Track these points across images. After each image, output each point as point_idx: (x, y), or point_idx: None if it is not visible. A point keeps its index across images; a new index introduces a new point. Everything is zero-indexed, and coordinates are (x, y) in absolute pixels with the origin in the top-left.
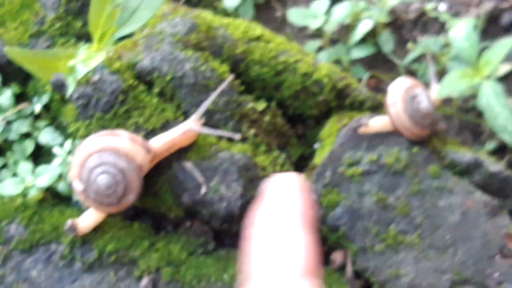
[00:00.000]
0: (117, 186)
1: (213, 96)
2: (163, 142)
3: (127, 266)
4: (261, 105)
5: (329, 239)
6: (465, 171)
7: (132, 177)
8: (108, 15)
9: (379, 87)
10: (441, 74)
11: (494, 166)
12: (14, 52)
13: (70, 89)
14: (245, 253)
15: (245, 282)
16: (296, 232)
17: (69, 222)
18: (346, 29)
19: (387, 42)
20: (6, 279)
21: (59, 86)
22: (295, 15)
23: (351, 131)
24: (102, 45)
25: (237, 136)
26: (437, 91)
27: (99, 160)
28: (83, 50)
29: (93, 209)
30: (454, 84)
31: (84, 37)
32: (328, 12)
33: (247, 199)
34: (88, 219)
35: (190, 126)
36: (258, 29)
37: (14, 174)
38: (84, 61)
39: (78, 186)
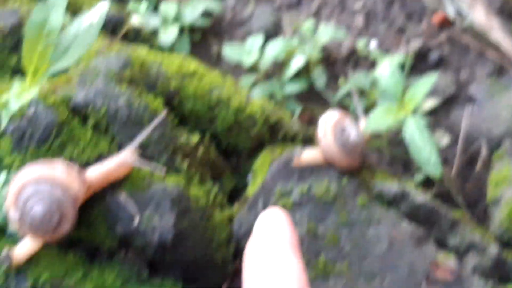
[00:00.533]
0: (52, 215)
1: (147, 130)
2: (98, 173)
3: None
4: (194, 139)
5: None
6: (392, 202)
7: (67, 207)
8: (41, 51)
9: (312, 121)
10: (371, 109)
11: (420, 197)
12: None
13: (3, 123)
14: (245, 282)
15: None
16: (289, 258)
17: (4, 251)
18: (280, 65)
19: (319, 77)
20: None
21: None
22: (230, 52)
23: (282, 163)
24: (35, 80)
25: (163, 172)
26: (365, 125)
27: (35, 189)
28: (17, 85)
29: (29, 238)
30: (380, 119)
31: (19, 72)
32: (262, 48)
33: (180, 230)
34: (23, 248)
35: (125, 159)
36: (192, 64)
37: None
38: (17, 96)
39: (13, 215)
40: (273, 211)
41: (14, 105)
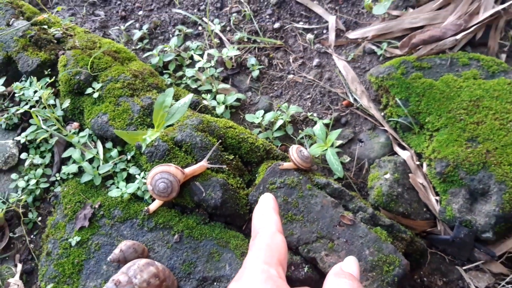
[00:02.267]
0: (168, 189)
1: (210, 152)
2: (189, 170)
3: (168, 229)
4: (231, 157)
5: None
6: (322, 187)
7: (175, 185)
8: (161, 115)
9: (286, 150)
10: (313, 143)
11: (336, 185)
12: (118, 132)
13: (143, 148)
14: (252, 225)
15: (254, 236)
16: (272, 214)
17: (145, 208)
18: (271, 123)
19: (289, 129)
20: (112, 235)
21: (139, 147)
22: (248, 117)
23: (272, 168)
24: (158, 129)
25: (225, 168)
26: (309, 151)
27: (160, 176)
28: (150, 131)
29: (156, 200)
30: (316, 149)
31: (151, 125)
32: (263, 116)
33: (224, 199)
34: (153, 206)
35: (203, 164)
36: (231, 123)
37: (117, 187)
38: (150, 136)
39: (149, 188)
40: (266, 194)
41: (148, 140)
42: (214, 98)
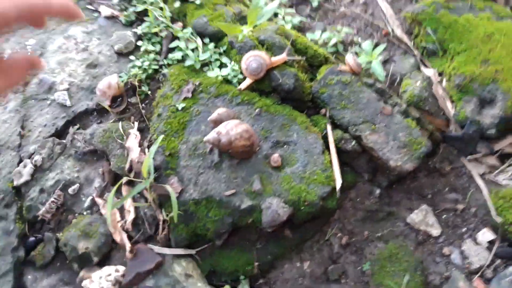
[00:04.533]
0: (258, 68)
1: (288, 46)
2: (274, 59)
3: (251, 104)
4: (300, 57)
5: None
6: (369, 85)
7: (263, 67)
8: (255, 13)
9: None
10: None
11: (380, 85)
12: (221, 24)
13: (239, 38)
14: None
15: None
16: None
17: (238, 87)
18: (325, 43)
19: (340, 47)
20: (208, 105)
21: (231, 43)
22: (309, 35)
23: (331, 69)
24: (250, 25)
25: (300, 58)
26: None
27: (253, 58)
28: (244, 27)
29: (247, 78)
30: (364, 59)
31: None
32: (321, 35)
33: (295, 85)
34: (244, 84)
35: (283, 56)
36: (299, 34)
37: (212, 70)
38: (246, 28)
39: (243, 67)
40: None
41: (245, 31)
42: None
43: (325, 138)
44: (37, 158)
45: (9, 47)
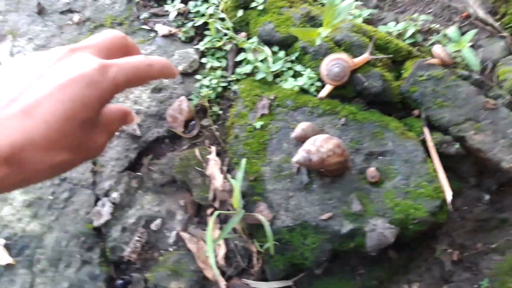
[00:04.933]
0: (341, 72)
1: (371, 44)
2: (356, 61)
3: (334, 114)
4: (382, 54)
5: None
6: (465, 78)
7: (346, 72)
8: (331, 13)
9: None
10: None
11: (477, 76)
12: (294, 30)
13: (317, 42)
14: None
15: None
16: None
17: (318, 96)
18: (400, 34)
19: (419, 38)
20: (288, 120)
21: (303, 48)
22: (382, 28)
23: (418, 64)
24: (326, 28)
25: (386, 57)
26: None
27: (335, 62)
28: (321, 28)
29: (328, 84)
30: (452, 48)
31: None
32: (395, 26)
33: (383, 87)
34: (324, 91)
35: (366, 56)
36: (375, 28)
37: (286, 80)
38: (323, 31)
39: (323, 73)
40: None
41: (323, 34)
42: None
43: (422, 143)
44: (115, 195)
45: None
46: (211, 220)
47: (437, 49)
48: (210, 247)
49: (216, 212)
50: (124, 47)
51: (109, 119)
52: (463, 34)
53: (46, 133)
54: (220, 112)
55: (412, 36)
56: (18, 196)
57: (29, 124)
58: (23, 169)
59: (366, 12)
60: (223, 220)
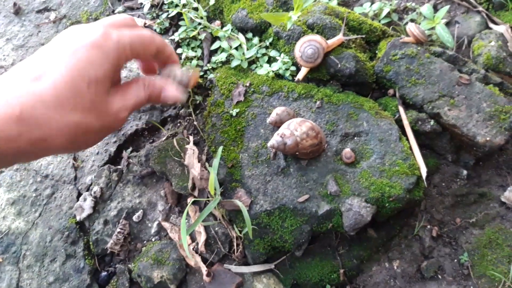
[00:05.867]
0: (315, 54)
1: (343, 25)
2: (330, 42)
3: (309, 98)
4: (355, 35)
5: (386, 86)
6: (439, 55)
7: (320, 52)
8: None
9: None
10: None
11: (451, 52)
12: (265, 15)
13: (289, 26)
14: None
15: None
16: None
17: (295, 79)
18: (376, 14)
19: (394, 17)
20: (264, 106)
21: (276, 34)
22: (357, 9)
23: (392, 43)
24: (297, 11)
25: (360, 37)
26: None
27: (308, 44)
28: (291, 13)
29: (303, 67)
30: (426, 25)
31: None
32: (371, 6)
33: (356, 67)
34: (301, 74)
35: (340, 37)
36: (348, 9)
37: (261, 66)
38: (294, 15)
39: (297, 54)
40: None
41: (294, 18)
42: None
43: (398, 121)
44: (96, 189)
45: None
46: (186, 210)
47: (411, 27)
48: (184, 236)
49: (191, 200)
50: (134, 26)
51: (126, 88)
52: (437, 11)
53: (54, 93)
54: (198, 101)
55: (388, 15)
56: (2, 194)
57: (38, 86)
58: (39, 126)
59: None
60: (203, 208)
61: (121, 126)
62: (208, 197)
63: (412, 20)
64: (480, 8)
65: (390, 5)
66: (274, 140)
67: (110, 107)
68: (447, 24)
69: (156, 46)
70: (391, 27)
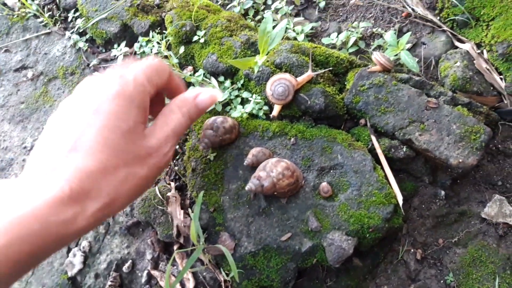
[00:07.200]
0: (285, 91)
1: (310, 62)
2: (300, 79)
3: (284, 135)
4: (322, 70)
5: (357, 116)
6: (406, 81)
7: (291, 89)
8: (265, 40)
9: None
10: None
11: (417, 77)
12: (232, 61)
13: (256, 70)
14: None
15: None
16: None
17: (271, 115)
18: (344, 43)
19: (361, 44)
20: (240, 147)
21: (247, 75)
22: (325, 40)
23: (359, 74)
24: (263, 55)
25: (327, 70)
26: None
27: (278, 82)
28: (257, 56)
29: (275, 104)
30: (390, 53)
31: (252, 55)
32: (337, 36)
33: (326, 103)
34: (275, 111)
35: (309, 74)
36: (314, 44)
37: (235, 108)
38: (259, 59)
39: (268, 92)
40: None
41: (259, 62)
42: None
43: (372, 150)
44: (85, 244)
45: None
46: (169, 263)
47: (376, 56)
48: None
49: (176, 251)
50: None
51: (161, 120)
52: (404, 34)
53: (95, 157)
54: (177, 146)
55: (355, 43)
56: None
57: (77, 157)
58: (96, 197)
59: (308, 27)
60: (190, 254)
61: (170, 160)
62: (193, 244)
63: (379, 46)
64: (445, 28)
65: (357, 33)
66: (251, 183)
67: (150, 147)
68: (414, 46)
69: (168, 71)
70: (358, 56)
